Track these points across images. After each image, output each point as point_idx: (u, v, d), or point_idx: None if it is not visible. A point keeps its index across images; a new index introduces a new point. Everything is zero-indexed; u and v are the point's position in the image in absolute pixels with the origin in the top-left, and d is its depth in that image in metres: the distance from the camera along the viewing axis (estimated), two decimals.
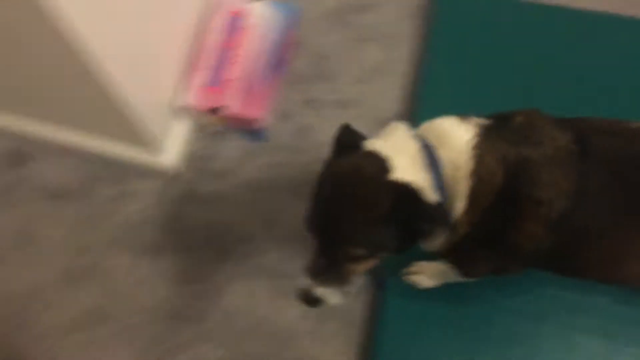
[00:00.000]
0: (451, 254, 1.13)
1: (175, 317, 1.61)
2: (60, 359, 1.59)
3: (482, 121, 1.03)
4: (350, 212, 0.91)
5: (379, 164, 0.94)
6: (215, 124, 1.72)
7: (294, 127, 1.78)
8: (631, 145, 0.99)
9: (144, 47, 1.45)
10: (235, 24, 1.73)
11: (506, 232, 1.00)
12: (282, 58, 1.77)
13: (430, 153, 0.98)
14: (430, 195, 0.95)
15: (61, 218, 1.74)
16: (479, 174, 0.96)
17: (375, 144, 0.99)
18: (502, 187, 0.96)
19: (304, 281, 0.99)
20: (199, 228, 1.69)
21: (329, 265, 0.96)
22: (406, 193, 0.91)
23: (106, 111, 1.46)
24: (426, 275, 1.43)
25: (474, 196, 0.97)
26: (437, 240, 1.06)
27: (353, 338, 1.55)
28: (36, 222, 1.74)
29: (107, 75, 1.28)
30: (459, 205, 0.99)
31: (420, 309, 1.50)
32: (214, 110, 1.65)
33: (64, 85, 1.41)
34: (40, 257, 1.70)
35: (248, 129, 1.72)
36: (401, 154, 0.96)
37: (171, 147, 1.72)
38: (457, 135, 0.99)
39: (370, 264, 1.01)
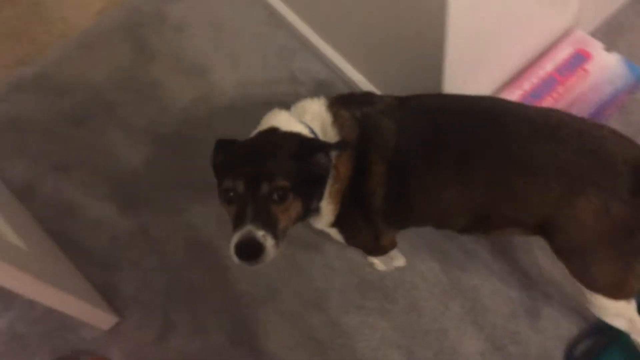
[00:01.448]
0: (338, 223, 1.34)
1: (375, 284, 1.69)
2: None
3: (330, 97, 1.34)
4: (268, 155, 1.17)
5: (271, 129, 1.24)
6: None
7: None
8: (438, 103, 1.31)
9: (486, 39, 1.48)
10: (575, 62, 1.67)
11: (364, 182, 1.25)
12: (600, 114, 1.67)
13: (298, 118, 1.28)
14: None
15: None
16: (338, 123, 1.26)
17: (259, 127, 1.28)
18: (359, 138, 1.25)
19: (241, 231, 1.09)
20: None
21: (259, 211, 1.10)
22: (298, 136, 1.21)
23: (419, 78, 1.58)
24: None
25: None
26: (327, 189, 1.25)
27: None
28: None
29: (445, 48, 1.37)
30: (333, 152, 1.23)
31: None
32: None
33: (404, 47, 1.56)
34: None
35: None
36: (280, 121, 1.26)
37: None
38: (312, 104, 1.31)
39: (292, 209, 1.16)
